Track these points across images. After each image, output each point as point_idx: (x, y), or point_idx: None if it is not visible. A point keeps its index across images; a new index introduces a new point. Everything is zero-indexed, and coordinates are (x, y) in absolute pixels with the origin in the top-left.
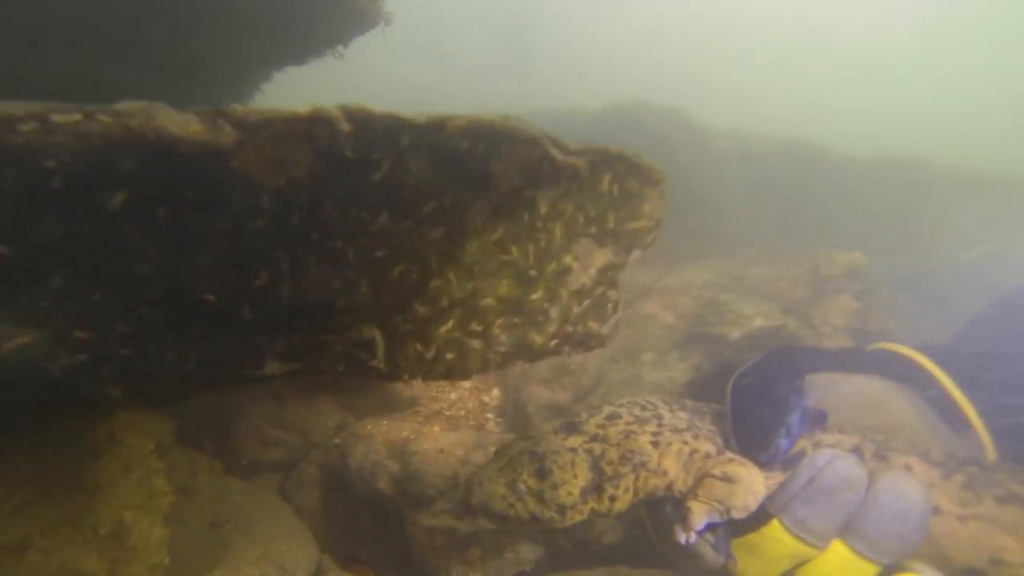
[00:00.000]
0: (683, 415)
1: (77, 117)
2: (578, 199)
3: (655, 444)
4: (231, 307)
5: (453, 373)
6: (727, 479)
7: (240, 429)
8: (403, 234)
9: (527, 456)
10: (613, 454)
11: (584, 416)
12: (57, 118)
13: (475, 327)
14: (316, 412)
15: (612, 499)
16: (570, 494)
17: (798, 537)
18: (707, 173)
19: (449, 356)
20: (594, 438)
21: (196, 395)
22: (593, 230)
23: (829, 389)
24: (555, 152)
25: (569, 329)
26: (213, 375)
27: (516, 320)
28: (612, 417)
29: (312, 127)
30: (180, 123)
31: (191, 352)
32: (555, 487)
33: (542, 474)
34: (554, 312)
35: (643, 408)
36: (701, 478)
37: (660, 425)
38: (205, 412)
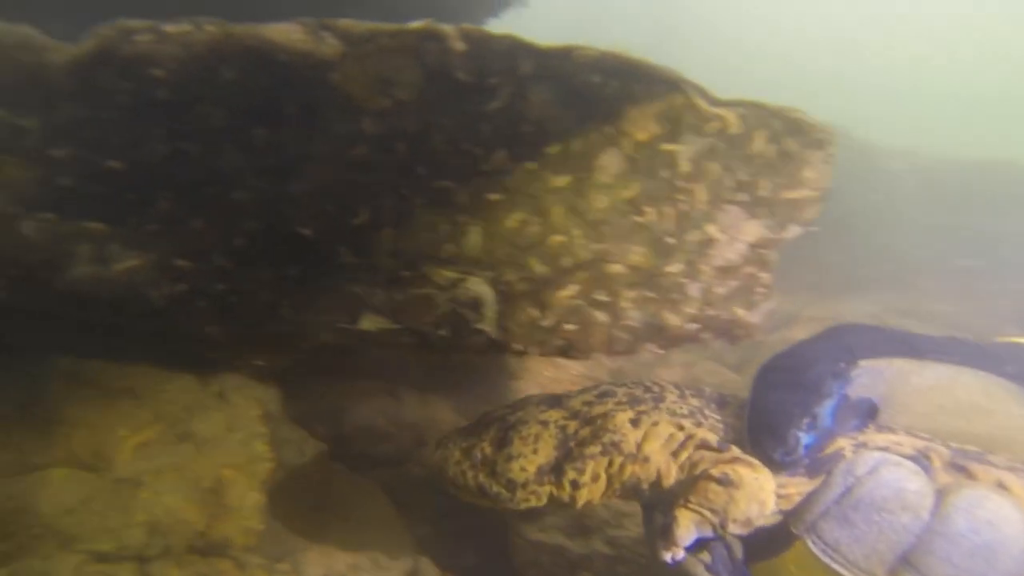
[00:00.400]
0: (695, 401)
1: (186, 27)
2: (726, 159)
3: (635, 423)
4: (328, 247)
5: (572, 349)
6: (727, 482)
7: (353, 419)
8: (522, 177)
9: (497, 423)
10: (586, 432)
11: (576, 392)
12: (169, 28)
13: (601, 296)
14: (431, 413)
15: (574, 485)
16: (523, 470)
17: (831, 567)
18: (873, 195)
19: (568, 327)
20: (575, 414)
21: (294, 354)
22: (743, 197)
23: (898, 379)
24: (700, 100)
25: (710, 312)
26: (307, 325)
27: (649, 294)
28: (604, 395)
29: (422, 42)
30: (282, 31)
31: (286, 295)
32: (508, 459)
33: (501, 443)
34: (693, 290)
35: (646, 389)
36: (697, 479)
37: (655, 407)
38: (322, 398)
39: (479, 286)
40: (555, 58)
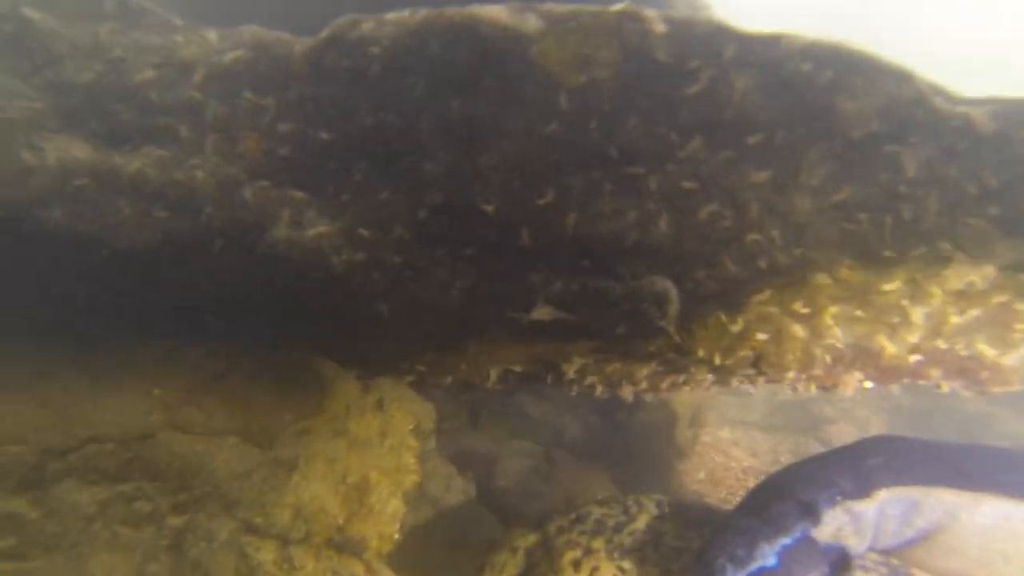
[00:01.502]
0: (667, 525)
1: (405, 13)
2: (969, 163)
3: (576, 566)
4: (509, 227)
5: (763, 361)
6: None
7: (506, 471)
8: (719, 167)
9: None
10: (544, 567)
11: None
12: (390, 16)
13: (799, 307)
14: (586, 479)
15: None
16: None
17: None
18: None
19: (760, 336)
20: (544, 542)
21: (464, 346)
22: (993, 210)
23: (943, 515)
24: (935, 97)
25: (942, 346)
26: (478, 311)
27: (858, 313)
28: (577, 521)
29: (623, 23)
30: (488, 9)
31: (459, 276)
32: None
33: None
34: (918, 315)
35: (624, 510)
36: None
37: (607, 540)
38: (476, 441)
39: (663, 281)
40: (762, 44)
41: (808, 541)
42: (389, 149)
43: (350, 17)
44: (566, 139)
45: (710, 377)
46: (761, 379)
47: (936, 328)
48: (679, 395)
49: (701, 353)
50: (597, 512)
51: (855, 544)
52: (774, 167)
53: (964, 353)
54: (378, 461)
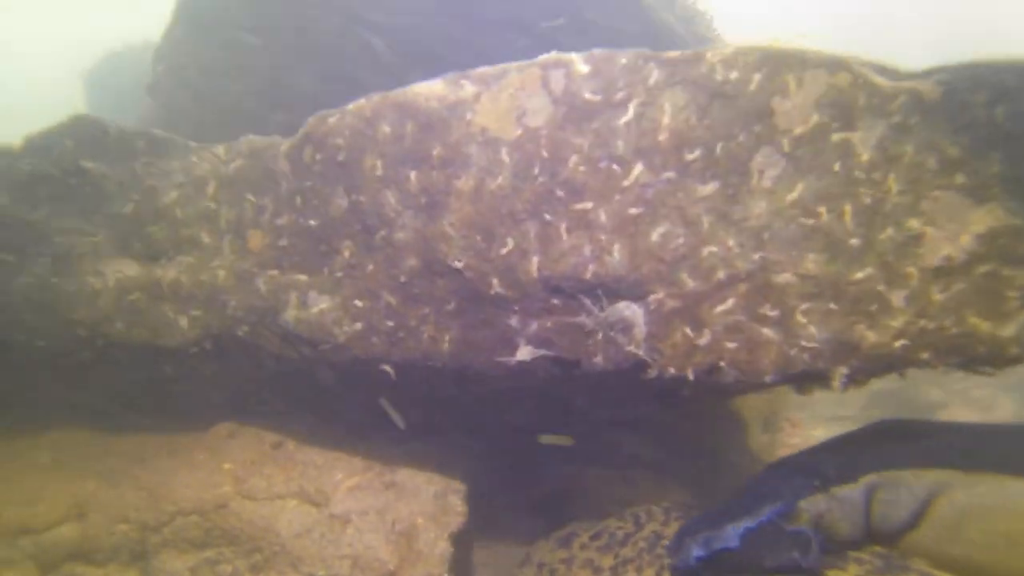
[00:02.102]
0: (671, 528)
1: (362, 101)
2: (924, 136)
3: None
4: (480, 278)
5: (736, 369)
6: None
7: (585, 504)
8: (664, 189)
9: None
10: None
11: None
12: (350, 106)
13: (767, 311)
14: (666, 495)
15: None
16: None
17: None
18: None
19: (729, 345)
20: (565, 559)
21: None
22: (960, 179)
23: (939, 496)
24: (877, 77)
25: (928, 325)
26: (469, 361)
27: (832, 306)
28: (596, 535)
29: (547, 71)
30: (426, 84)
31: (446, 331)
32: None
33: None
34: (897, 298)
35: (636, 523)
36: None
37: (615, 555)
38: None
39: (628, 307)
40: (685, 63)
41: (773, 525)
42: (365, 225)
43: (320, 113)
44: (514, 189)
45: (687, 393)
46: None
47: (920, 308)
48: (747, 400)
49: (672, 370)
50: (613, 526)
51: (845, 530)
52: (720, 179)
53: (955, 330)
54: (424, 507)
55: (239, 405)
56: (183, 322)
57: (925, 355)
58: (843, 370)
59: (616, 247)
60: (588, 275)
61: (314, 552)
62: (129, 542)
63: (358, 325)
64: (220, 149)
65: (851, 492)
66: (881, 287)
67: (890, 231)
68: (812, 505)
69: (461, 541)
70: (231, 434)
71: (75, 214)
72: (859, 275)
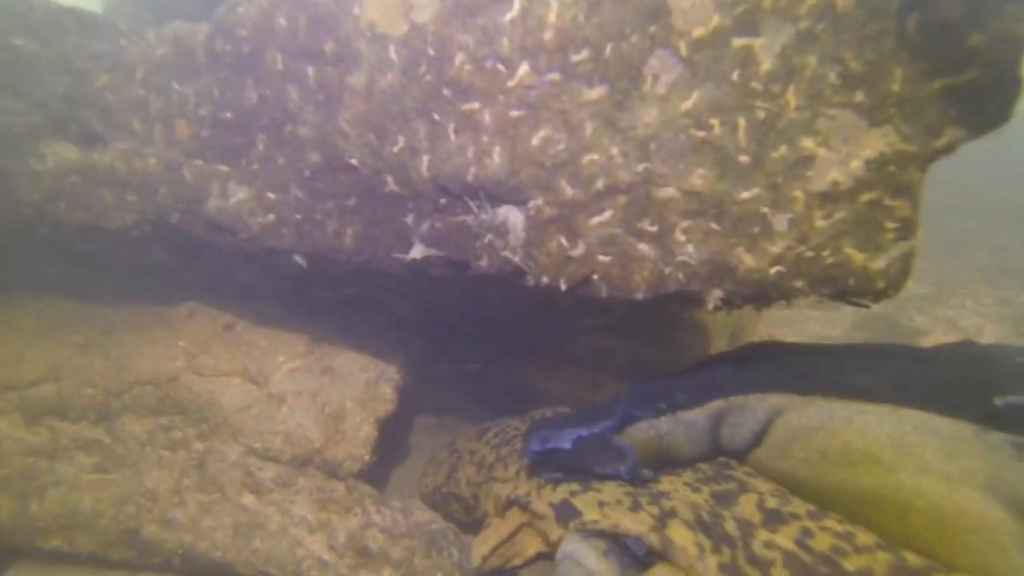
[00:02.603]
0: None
1: None
2: (829, 47)
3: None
4: (375, 175)
5: (608, 284)
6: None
7: (547, 395)
8: (548, 91)
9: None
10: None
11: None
12: None
13: (646, 226)
14: None
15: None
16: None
17: None
18: None
19: (602, 259)
20: (471, 451)
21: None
22: (858, 98)
23: (776, 418)
24: None
25: (807, 253)
26: (369, 255)
27: (713, 226)
28: (498, 433)
29: None
30: None
31: (348, 225)
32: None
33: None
34: (780, 222)
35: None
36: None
37: (497, 454)
38: (513, 373)
39: (507, 210)
40: None
41: (602, 436)
42: (274, 119)
43: (230, 2)
44: (404, 87)
45: (566, 305)
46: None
47: (801, 234)
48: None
49: (545, 279)
50: (512, 425)
51: (687, 450)
52: (609, 83)
53: (831, 259)
54: (354, 392)
55: (204, 285)
56: (121, 207)
57: (799, 283)
58: (718, 293)
59: (497, 150)
60: (470, 177)
61: (252, 426)
62: (96, 404)
63: (270, 216)
64: (150, 34)
65: (695, 416)
66: (766, 209)
67: (783, 149)
68: (655, 426)
69: (388, 426)
70: (191, 314)
71: (9, 94)
72: (745, 195)
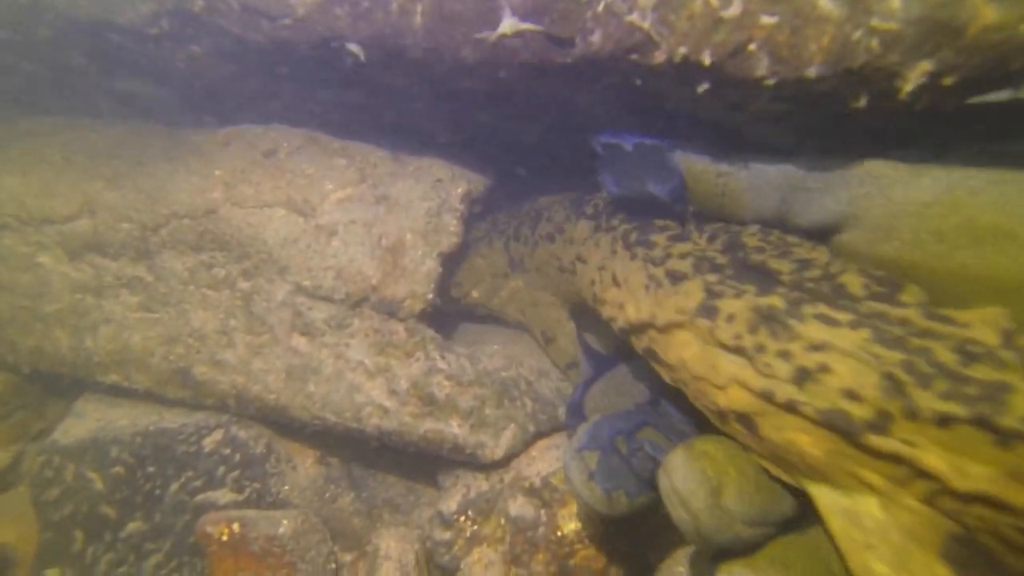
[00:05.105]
0: None
1: None
2: None
3: None
4: None
5: (770, 55)
6: None
7: None
8: None
9: None
10: None
11: None
12: None
13: None
14: None
15: None
16: None
17: None
18: None
19: (767, 19)
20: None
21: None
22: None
23: None
24: None
25: None
26: (444, 40)
27: None
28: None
29: None
30: None
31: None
32: None
33: None
34: None
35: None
36: None
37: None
38: None
39: None
40: None
41: (658, 147)
42: None
43: None
44: None
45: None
46: None
47: None
48: None
49: (681, 49)
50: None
51: (746, 202)
52: None
53: None
54: (415, 223)
55: (236, 104)
56: None
57: None
58: (926, 66)
59: None
60: None
61: (300, 262)
62: (133, 240)
63: None
64: None
65: (766, 165)
66: None
67: None
68: (716, 161)
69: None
70: (227, 140)
71: None
72: None
